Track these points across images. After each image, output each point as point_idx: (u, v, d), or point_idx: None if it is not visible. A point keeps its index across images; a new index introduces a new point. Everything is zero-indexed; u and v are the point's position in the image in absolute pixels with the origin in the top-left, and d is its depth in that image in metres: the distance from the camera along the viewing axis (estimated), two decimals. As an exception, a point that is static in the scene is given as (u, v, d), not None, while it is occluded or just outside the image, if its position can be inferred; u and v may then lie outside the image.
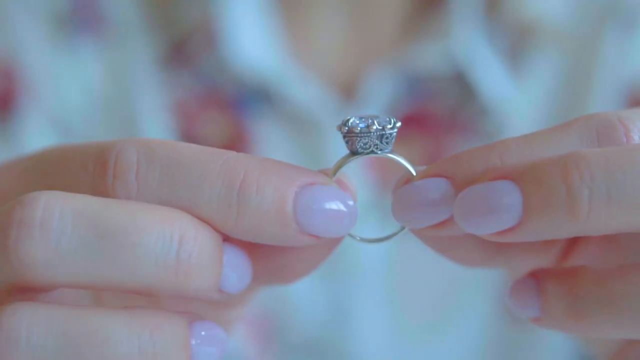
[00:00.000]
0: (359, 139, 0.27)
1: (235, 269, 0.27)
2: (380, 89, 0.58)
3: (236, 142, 0.59)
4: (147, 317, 0.25)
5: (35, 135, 0.58)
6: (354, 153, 0.28)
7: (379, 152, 0.27)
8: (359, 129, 0.27)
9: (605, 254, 0.30)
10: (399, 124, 0.27)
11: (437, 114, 0.60)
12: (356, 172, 0.59)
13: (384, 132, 0.27)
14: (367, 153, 0.27)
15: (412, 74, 0.58)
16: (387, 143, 0.27)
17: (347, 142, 0.28)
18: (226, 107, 0.59)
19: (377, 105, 0.58)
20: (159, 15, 0.59)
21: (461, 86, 0.59)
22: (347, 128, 0.27)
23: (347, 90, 0.59)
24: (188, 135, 0.59)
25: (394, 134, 0.27)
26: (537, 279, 0.29)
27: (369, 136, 0.27)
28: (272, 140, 0.59)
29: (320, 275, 0.59)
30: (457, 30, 0.58)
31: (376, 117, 0.27)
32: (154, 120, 0.59)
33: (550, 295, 0.28)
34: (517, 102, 0.59)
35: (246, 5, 0.57)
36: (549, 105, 0.60)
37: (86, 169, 0.27)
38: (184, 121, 0.59)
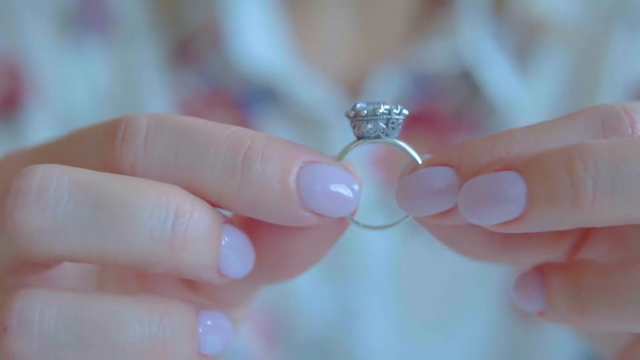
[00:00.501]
0: (365, 122, 0.27)
1: (236, 250, 0.27)
2: (386, 88, 0.58)
3: None
4: (157, 303, 0.26)
5: (42, 134, 0.58)
6: (359, 138, 0.28)
7: (385, 137, 0.28)
8: (365, 112, 0.27)
9: (614, 251, 0.30)
10: (405, 111, 0.27)
11: (444, 112, 0.60)
12: (362, 169, 0.59)
13: (390, 117, 0.27)
14: (373, 138, 0.28)
15: (419, 72, 0.58)
16: (393, 129, 0.27)
17: (353, 127, 0.28)
18: (232, 106, 0.59)
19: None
20: (165, 14, 0.59)
21: (468, 85, 0.59)
22: (354, 112, 0.27)
23: (354, 89, 0.59)
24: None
25: (401, 119, 0.27)
26: (542, 272, 0.29)
27: (375, 120, 0.27)
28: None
29: (326, 275, 0.59)
30: (464, 28, 0.57)
31: (383, 103, 0.28)
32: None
33: (554, 288, 0.28)
34: (524, 100, 0.59)
35: (252, 4, 0.57)
36: (556, 104, 0.60)
37: (96, 137, 0.27)
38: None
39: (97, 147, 0.27)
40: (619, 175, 0.24)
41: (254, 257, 0.28)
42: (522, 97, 0.59)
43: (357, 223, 0.28)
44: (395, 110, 0.27)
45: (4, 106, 0.58)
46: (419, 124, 0.59)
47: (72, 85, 0.59)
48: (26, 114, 0.58)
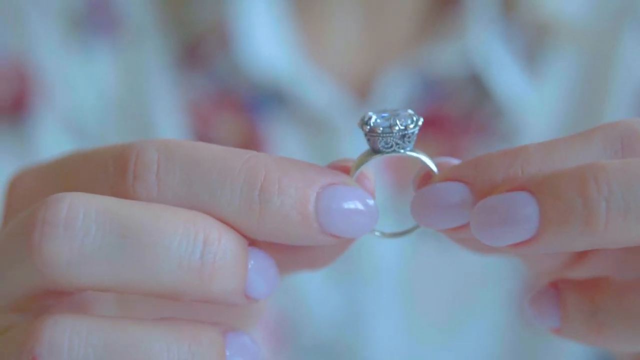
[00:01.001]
0: (381, 138, 0.27)
1: (262, 273, 0.27)
2: (395, 90, 0.58)
3: (250, 143, 0.59)
4: (184, 329, 0.25)
5: (49, 137, 0.58)
6: (375, 151, 0.27)
7: (401, 151, 0.27)
8: (381, 129, 0.27)
9: (625, 255, 0.30)
10: (421, 121, 0.27)
11: (453, 115, 0.59)
12: (373, 172, 0.58)
13: (406, 132, 0.27)
14: (389, 152, 0.27)
15: (428, 74, 0.58)
16: (409, 142, 0.27)
17: (368, 140, 0.27)
18: (240, 109, 0.59)
19: (392, 106, 0.58)
20: (173, 16, 0.59)
21: (477, 87, 0.58)
22: (368, 127, 0.27)
23: (362, 92, 0.59)
24: (202, 137, 0.59)
25: (416, 131, 0.27)
26: (557, 289, 0.28)
27: (391, 136, 0.27)
28: (286, 141, 0.59)
29: (335, 278, 0.59)
30: (473, 30, 0.57)
31: (397, 115, 0.27)
32: (168, 121, 0.59)
33: (570, 306, 0.28)
34: (533, 102, 0.59)
35: (260, 6, 0.57)
36: (565, 106, 0.60)
37: (106, 170, 0.26)
38: (198, 122, 0.59)
39: (109, 180, 0.26)
40: (632, 196, 0.24)
41: (279, 277, 0.28)
42: (532, 99, 0.59)
43: (371, 232, 0.28)
44: (410, 125, 0.27)
45: (11, 108, 0.58)
46: (428, 126, 0.59)
47: (80, 88, 0.59)
48: (34, 116, 0.58)
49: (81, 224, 0.25)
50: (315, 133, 0.59)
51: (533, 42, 0.59)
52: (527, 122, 0.59)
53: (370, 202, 0.27)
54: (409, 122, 0.27)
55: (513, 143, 0.59)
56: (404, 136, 0.27)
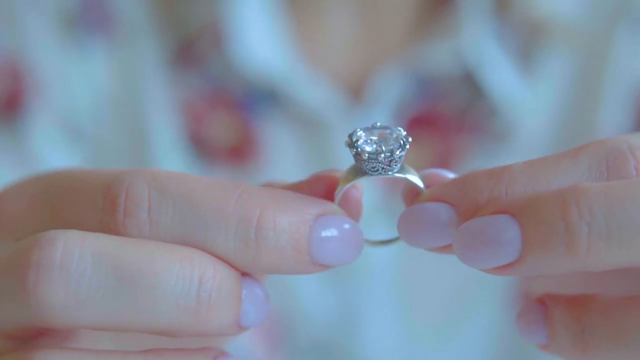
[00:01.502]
0: (367, 163, 0.27)
1: (254, 302, 0.27)
2: (389, 90, 0.58)
3: (244, 143, 0.59)
4: None
5: (44, 135, 0.58)
6: (362, 172, 0.27)
7: (388, 173, 0.27)
8: (367, 155, 0.27)
9: (613, 272, 0.30)
10: (408, 145, 0.27)
11: (447, 114, 0.59)
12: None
13: (392, 158, 0.27)
14: (375, 175, 0.27)
15: (422, 74, 0.58)
16: (395, 165, 0.27)
17: (354, 159, 0.27)
18: (234, 108, 0.59)
19: (386, 105, 0.58)
20: (167, 15, 0.59)
21: (471, 86, 0.58)
22: (354, 151, 0.27)
23: (356, 91, 0.59)
24: (196, 136, 0.59)
25: (404, 154, 0.27)
26: (544, 305, 0.28)
27: (377, 162, 0.27)
28: (280, 141, 0.59)
29: (330, 278, 0.59)
30: (467, 29, 0.57)
31: (385, 139, 0.27)
32: (162, 120, 0.59)
33: (557, 323, 0.28)
34: (527, 101, 0.59)
35: (254, 5, 0.57)
36: (560, 105, 0.60)
37: (95, 204, 0.26)
38: (192, 122, 0.59)
39: (97, 215, 0.26)
40: (614, 220, 0.24)
41: (269, 302, 0.28)
42: (526, 98, 0.59)
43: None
44: (397, 151, 0.26)
45: (6, 107, 0.58)
46: (422, 125, 0.59)
47: (74, 86, 0.59)
48: (28, 115, 0.57)
49: (76, 266, 0.24)
50: (309, 132, 0.59)
51: (527, 41, 0.59)
52: (521, 121, 0.59)
53: (357, 231, 0.27)
54: (396, 146, 0.26)
55: (507, 142, 0.59)
56: (390, 161, 0.27)
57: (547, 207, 0.24)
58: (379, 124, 0.27)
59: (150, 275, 0.24)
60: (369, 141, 0.27)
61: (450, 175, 0.28)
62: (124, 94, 0.59)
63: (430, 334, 0.60)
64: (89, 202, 0.26)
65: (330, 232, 0.26)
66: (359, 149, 0.26)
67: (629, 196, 0.24)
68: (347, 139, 0.27)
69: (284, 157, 0.59)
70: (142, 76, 0.59)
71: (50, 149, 0.58)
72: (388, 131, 0.27)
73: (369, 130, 0.27)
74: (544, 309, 0.28)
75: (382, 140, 0.27)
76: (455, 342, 0.61)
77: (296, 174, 0.58)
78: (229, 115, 0.59)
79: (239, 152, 0.59)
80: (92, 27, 0.59)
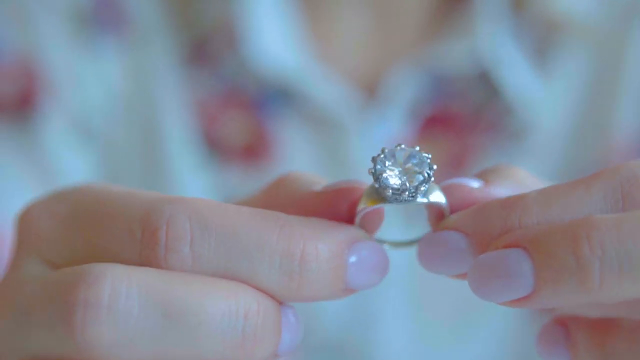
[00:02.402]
0: (391, 194, 0.26)
1: (290, 330, 0.27)
2: (403, 89, 0.57)
3: (257, 142, 0.59)
4: None
5: (56, 135, 0.58)
6: (384, 198, 0.27)
7: (411, 202, 0.27)
8: (390, 192, 0.26)
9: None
10: (433, 177, 0.26)
11: (462, 113, 0.59)
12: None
13: (416, 192, 0.26)
14: (399, 203, 0.27)
15: (436, 72, 0.58)
16: (420, 194, 0.27)
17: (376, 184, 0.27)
18: (248, 107, 0.59)
19: (401, 105, 0.58)
20: (180, 14, 0.59)
21: (486, 85, 0.58)
22: (378, 185, 0.26)
23: (370, 90, 0.59)
24: (209, 135, 0.59)
25: (428, 186, 0.27)
26: (566, 326, 0.28)
27: (400, 197, 0.26)
28: (293, 140, 0.59)
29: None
30: (483, 28, 0.57)
31: (409, 173, 0.26)
32: (175, 120, 0.59)
33: (580, 347, 0.27)
34: (543, 100, 0.59)
35: (268, 4, 0.57)
36: (575, 103, 0.59)
37: (133, 235, 0.26)
38: (205, 121, 0.59)
39: (136, 246, 0.26)
40: (625, 255, 0.23)
41: (302, 327, 0.28)
42: (541, 97, 0.58)
43: (382, 242, 0.29)
44: (422, 187, 0.26)
45: (18, 106, 0.58)
46: (437, 125, 0.59)
47: (87, 86, 0.59)
48: (40, 114, 0.57)
49: (124, 305, 0.24)
50: (323, 131, 0.58)
51: (543, 39, 0.59)
52: (536, 120, 0.59)
53: (384, 255, 0.27)
54: (421, 180, 0.26)
55: (523, 141, 0.59)
56: (414, 195, 0.26)
57: (558, 241, 0.24)
58: (403, 146, 0.27)
59: (197, 312, 0.24)
60: (392, 175, 0.26)
61: (475, 184, 0.28)
62: (136, 94, 0.59)
63: (443, 335, 0.60)
64: (126, 232, 0.26)
65: (362, 259, 0.27)
66: (382, 184, 0.26)
67: None
68: (370, 164, 0.27)
69: (298, 156, 0.59)
70: (155, 76, 0.59)
71: (62, 148, 0.58)
72: (413, 161, 0.27)
73: (392, 154, 0.27)
74: (565, 330, 0.28)
75: (406, 173, 0.26)
76: (468, 343, 0.60)
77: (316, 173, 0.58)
78: (243, 114, 0.59)
79: (252, 151, 0.59)
80: (105, 26, 0.59)
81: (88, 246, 0.26)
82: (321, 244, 0.26)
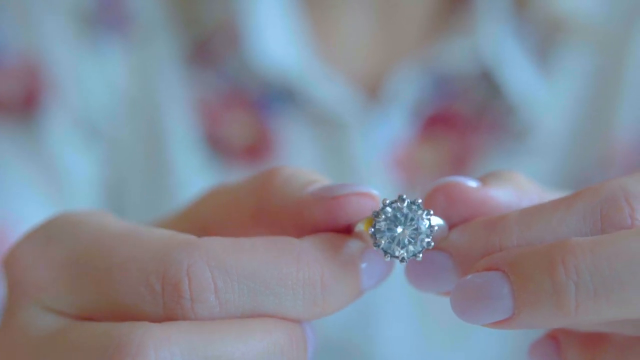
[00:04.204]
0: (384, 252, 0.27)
1: (312, 345, 0.28)
2: (406, 88, 0.57)
3: (260, 142, 0.59)
4: None
5: (60, 134, 0.58)
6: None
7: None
8: (389, 258, 0.27)
9: None
10: (433, 243, 0.26)
11: (464, 113, 0.59)
12: (381, 170, 0.58)
13: (414, 257, 0.27)
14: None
15: (439, 72, 0.58)
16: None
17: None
18: (250, 107, 0.59)
19: (403, 104, 0.58)
20: (183, 14, 0.59)
21: (488, 84, 0.58)
22: (376, 247, 0.27)
23: (373, 90, 0.59)
24: (212, 135, 0.59)
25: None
26: (557, 341, 0.28)
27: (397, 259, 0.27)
28: (296, 140, 0.59)
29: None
30: (485, 27, 0.57)
31: (410, 238, 0.26)
32: (178, 119, 0.59)
33: None
34: (545, 100, 0.58)
35: (270, 3, 0.57)
36: (578, 103, 0.59)
37: (151, 288, 0.25)
38: (208, 121, 0.59)
39: (158, 301, 0.25)
40: (600, 279, 0.23)
41: (316, 339, 0.28)
42: (544, 96, 0.58)
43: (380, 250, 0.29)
44: (419, 255, 0.26)
45: (22, 106, 0.58)
46: (439, 124, 0.59)
47: (91, 85, 0.59)
48: (44, 114, 0.57)
49: None
50: (325, 131, 0.58)
51: (545, 39, 0.58)
52: (539, 119, 0.58)
53: (387, 259, 0.28)
54: (418, 249, 0.26)
55: (525, 141, 0.59)
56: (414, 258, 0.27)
57: (535, 264, 0.24)
58: (404, 196, 0.27)
59: (237, 358, 0.25)
60: (391, 240, 0.26)
61: (472, 183, 0.28)
62: (140, 93, 0.59)
63: (445, 335, 0.60)
64: (144, 285, 0.25)
65: (372, 262, 0.28)
66: (379, 248, 0.27)
67: (614, 252, 0.24)
68: (373, 212, 0.27)
69: (300, 156, 0.59)
70: (158, 75, 0.59)
71: (66, 147, 0.58)
72: (414, 223, 0.26)
73: (394, 209, 0.26)
74: (556, 345, 0.28)
75: (406, 238, 0.26)
76: (469, 343, 0.60)
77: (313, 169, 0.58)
78: (245, 114, 0.59)
79: (255, 151, 0.59)
80: (108, 26, 0.59)
81: (101, 297, 0.26)
82: (337, 265, 0.26)
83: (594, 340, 0.27)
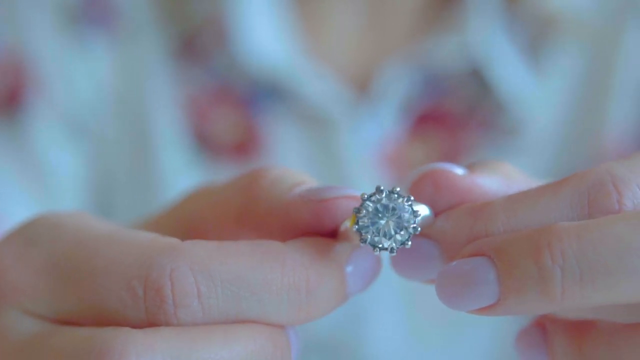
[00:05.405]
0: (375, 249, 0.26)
1: (295, 348, 0.27)
2: (395, 85, 0.57)
3: (248, 139, 0.58)
4: None
5: (45, 132, 0.57)
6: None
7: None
8: (378, 251, 0.26)
9: None
10: (418, 230, 0.26)
11: (454, 110, 0.59)
12: (370, 168, 0.58)
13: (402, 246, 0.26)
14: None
15: (428, 69, 0.57)
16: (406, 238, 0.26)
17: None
18: (238, 103, 0.58)
19: (392, 101, 0.57)
20: (170, 10, 0.59)
21: (478, 82, 0.58)
22: (362, 243, 0.26)
23: (362, 86, 0.58)
24: (200, 132, 0.59)
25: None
26: (544, 329, 0.28)
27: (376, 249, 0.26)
28: (284, 137, 0.58)
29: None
30: (475, 24, 0.56)
31: (394, 227, 0.26)
32: (165, 116, 0.58)
33: (557, 349, 0.27)
34: (536, 97, 0.58)
35: None
36: (569, 101, 0.59)
37: (133, 292, 0.25)
38: (195, 118, 0.59)
39: (140, 305, 0.25)
40: (586, 264, 0.23)
41: (299, 342, 0.28)
42: (534, 93, 0.58)
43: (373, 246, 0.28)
44: (408, 243, 0.26)
45: (7, 103, 0.57)
46: (429, 122, 0.58)
47: (76, 82, 0.58)
48: (29, 112, 0.57)
49: None
50: (314, 128, 0.58)
51: (536, 36, 0.58)
52: (529, 117, 0.58)
53: (376, 257, 0.28)
54: (405, 238, 0.26)
55: (516, 138, 0.58)
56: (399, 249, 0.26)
57: (521, 250, 0.24)
58: (382, 187, 0.26)
59: None
60: (376, 232, 0.26)
61: (459, 170, 0.28)
62: (126, 90, 0.59)
63: (435, 334, 0.60)
64: (126, 290, 0.25)
65: (359, 266, 0.27)
66: (366, 243, 0.26)
67: (601, 237, 0.23)
68: (354, 209, 0.26)
69: (289, 153, 0.59)
70: (145, 71, 0.59)
71: (51, 145, 0.58)
72: (396, 212, 0.26)
73: (374, 201, 0.26)
74: (544, 332, 0.28)
75: (391, 228, 0.26)
76: (460, 341, 0.60)
77: (300, 170, 0.58)
78: (233, 111, 0.58)
79: (243, 148, 0.59)
80: (94, 22, 0.59)
81: (83, 302, 0.26)
82: (323, 269, 0.26)
83: (581, 327, 0.27)
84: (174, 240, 0.26)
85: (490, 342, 0.60)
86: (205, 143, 0.59)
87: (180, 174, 0.59)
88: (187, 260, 0.25)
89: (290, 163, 0.58)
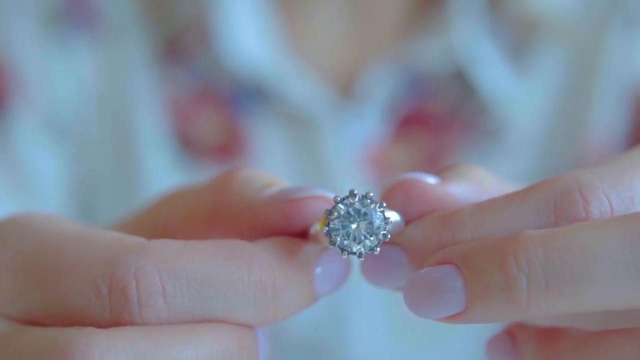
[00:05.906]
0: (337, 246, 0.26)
1: (264, 349, 0.27)
2: (379, 87, 0.57)
3: (231, 140, 0.58)
4: None
5: (27, 134, 0.57)
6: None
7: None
8: (346, 255, 0.26)
9: None
10: (389, 236, 0.26)
11: (438, 112, 0.59)
12: (354, 169, 0.58)
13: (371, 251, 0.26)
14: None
15: (412, 71, 0.57)
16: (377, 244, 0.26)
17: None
18: (222, 105, 0.58)
19: (376, 103, 0.57)
20: (153, 11, 0.58)
21: (462, 83, 0.58)
22: (331, 246, 0.26)
23: (345, 88, 0.58)
24: (183, 134, 0.58)
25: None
26: (514, 337, 0.28)
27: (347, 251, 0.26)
28: (268, 138, 0.58)
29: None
30: (458, 26, 0.56)
31: (364, 232, 0.26)
32: (148, 118, 0.58)
33: (527, 358, 0.27)
34: (520, 98, 0.58)
35: (242, 0, 0.56)
36: (552, 102, 0.59)
37: (98, 291, 0.25)
38: (178, 119, 0.58)
39: (105, 305, 0.25)
40: (552, 272, 0.23)
41: (268, 342, 0.28)
42: (518, 95, 0.58)
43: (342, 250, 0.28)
44: (377, 249, 0.26)
45: None
46: (412, 123, 0.58)
47: (58, 83, 0.58)
48: (10, 114, 0.56)
49: None
50: (297, 129, 0.58)
51: (520, 38, 0.58)
52: (512, 118, 0.58)
53: (345, 257, 0.27)
54: (375, 244, 0.26)
55: (499, 140, 0.59)
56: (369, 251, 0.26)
57: (487, 258, 0.24)
58: (355, 191, 0.26)
59: None
60: (346, 236, 0.26)
61: (431, 180, 0.27)
62: (109, 91, 0.59)
63: (418, 336, 0.60)
64: (91, 289, 0.25)
65: (327, 267, 0.27)
66: (335, 246, 0.26)
67: (567, 245, 0.23)
68: (326, 211, 0.26)
69: (272, 154, 0.58)
70: (128, 73, 0.58)
71: (33, 147, 0.57)
72: (368, 217, 0.26)
73: (346, 205, 0.26)
74: (513, 339, 0.28)
75: (361, 233, 0.26)
76: (443, 344, 0.60)
77: (284, 171, 0.58)
78: (217, 112, 0.58)
79: (226, 149, 0.58)
80: (76, 23, 0.58)
81: (48, 301, 0.25)
82: (290, 270, 0.26)
83: (549, 335, 0.27)
84: (140, 239, 0.26)
85: (472, 346, 0.60)
86: (189, 144, 0.58)
87: (164, 175, 0.58)
88: (152, 259, 0.25)
89: (274, 164, 0.58)
